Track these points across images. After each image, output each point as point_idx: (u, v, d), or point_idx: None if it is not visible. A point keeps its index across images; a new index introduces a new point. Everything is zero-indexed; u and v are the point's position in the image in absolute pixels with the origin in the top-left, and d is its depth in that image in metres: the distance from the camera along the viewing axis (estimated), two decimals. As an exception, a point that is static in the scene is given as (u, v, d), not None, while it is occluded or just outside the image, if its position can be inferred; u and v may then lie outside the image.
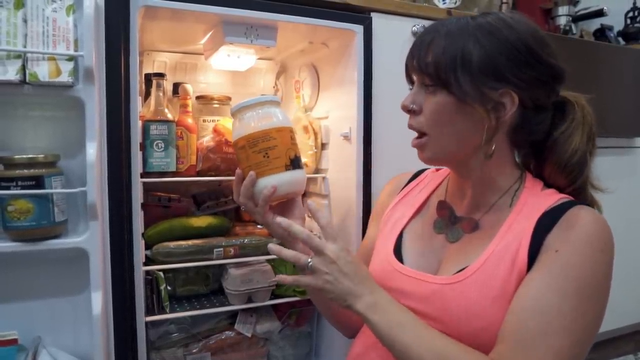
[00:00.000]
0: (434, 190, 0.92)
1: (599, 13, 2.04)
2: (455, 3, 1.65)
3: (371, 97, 1.19)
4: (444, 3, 1.67)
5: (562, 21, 2.05)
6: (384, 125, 1.21)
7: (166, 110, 1.15)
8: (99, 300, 0.91)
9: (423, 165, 0.88)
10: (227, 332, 1.29)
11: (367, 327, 0.75)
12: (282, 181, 0.91)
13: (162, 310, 1.15)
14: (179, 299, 1.26)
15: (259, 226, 1.35)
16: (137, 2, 0.95)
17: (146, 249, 1.15)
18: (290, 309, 1.36)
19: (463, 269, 0.74)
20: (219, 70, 1.46)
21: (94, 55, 0.88)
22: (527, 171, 0.82)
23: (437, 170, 0.96)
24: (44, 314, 0.96)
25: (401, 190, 0.97)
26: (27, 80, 0.86)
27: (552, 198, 0.74)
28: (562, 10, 2.05)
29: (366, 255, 0.95)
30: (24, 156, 0.88)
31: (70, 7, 0.89)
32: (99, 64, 0.91)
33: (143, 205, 1.05)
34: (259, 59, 1.47)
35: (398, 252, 0.86)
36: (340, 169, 1.30)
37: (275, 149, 0.91)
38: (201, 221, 1.27)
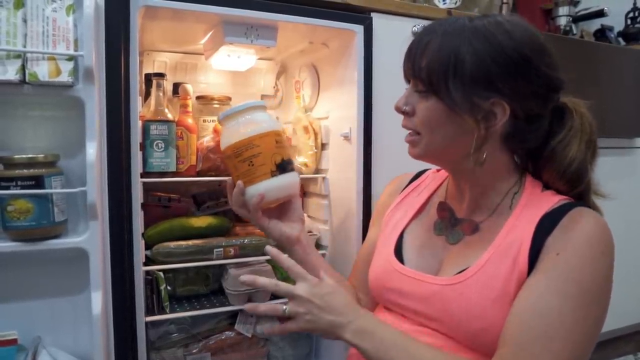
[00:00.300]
0: (434, 191, 0.92)
1: (599, 13, 2.04)
2: (456, 3, 1.65)
3: (371, 98, 1.19)
4: (444, 3, 1.67)
5: (563, 21, 2.05)
6: (384, 126, 1.21)
7: (166, 111, 1.15)
8: (99, 300, 0.91)
9: (425, 166, 0.88)
10: (227, 333, 1.29)
11: None
12: (269, 188, 0.91)
13: (162, 311, 1.15)
14: (179, 299, 1.26)
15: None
16: (138, 2, 0.95)
17: (146, 249, 1.14)
18: (290, 309, 1.36)
19: (463, 270, 0.74)
20: (219, 70, 1.46)
21: (93, 55, 0.88)
22: (528, 172, 0.81)
23: (438, 171, 0.96)
24: (44, 313, 0.96)
25: (402, 191, 0.97)
26: (27, 80, 0.86)
27: (552, 200, 0.74)
28: (563, 10, 2.05)
29: (367, 256, 0.95)
30: (24, 156, 0.87)
31: (70, 7, 0.88)
32: (99, 64, 0.91)
33: (143, 205, 1.05)
34: (259, 59, 1.47)
35: (399, 252, 0.86)
36: (340, 169, 1.30)
37: (259, 156, 0.91)
38: (201, 221, 1.27)
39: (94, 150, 0.89)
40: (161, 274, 1.16)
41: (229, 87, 1.56)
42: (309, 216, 1.44)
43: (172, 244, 1.18)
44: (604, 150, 1.83)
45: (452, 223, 0.83)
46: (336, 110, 1.33)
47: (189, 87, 1.25)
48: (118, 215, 0.96)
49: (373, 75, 1.19)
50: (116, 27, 0.93)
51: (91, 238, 0.90)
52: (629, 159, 1.87)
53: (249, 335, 1.29)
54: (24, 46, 0.85)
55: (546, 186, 0.79)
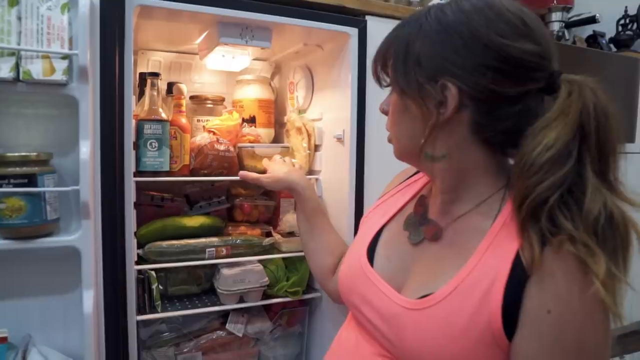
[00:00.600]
0: (421, 188, 0.84)
1: (591, 20, 2.06)
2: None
3: (365, 100, 1.20)
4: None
5: (556, 27, 2.06)
6: (377, 128, 1.21)
7: (160, 110, 1.15)
8: (90, 298, 0.91)
9: None
10: (218, 332, 1.29)
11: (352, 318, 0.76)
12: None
13: (153, 310, 1.15)
14: (170, 298, 1.26)
15: (251, 226, 1.35)
16: (133, 1, 0.95)
17: (138, 248, 1.14)
18: (281, 310, 1.36)
19: (427, 295, 0.65)
20: (214, 70, 1.46)
21: (88, 54, 0.88)
22: None
23: None
24: (35, 312, 0.96)
25: (400, 184, 0.91)
26: (21, 78, 0.85)
27: None
28: (556, 16, 2.07)
29: None
30: (17, 154, 0.87)
31: (65, 5, 0.88)
32: (93, 63, 0.91)
33: (136, 205, 1.05)
34: (253, 59, 1.48)
35: (372, 250, 0.79)
36: (334, 171, 1.30)
37: None
38: (194, 221, 1.27)
39: (87, 149, 0.89)
40: (153, 273, 1.16)
41: (223, 87, 1.56)
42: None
43: (165, 244, 1.18)
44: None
45: (420, 221, 0.75)
46: (330, 112, 1.33)
47: (183, 86, 1.25)
48: (111, 214, 0.96)
49: (367, 78, 1.20)
50: (111, 26, 0.93)
51: (83, 237, 0.90)
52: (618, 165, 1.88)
53: (240, 335, 1.30)
54: (18, 44, 0.85)
55: None
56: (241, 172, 1.15)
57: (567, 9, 2.08)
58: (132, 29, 0.96)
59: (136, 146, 1.10)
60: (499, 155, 0.68)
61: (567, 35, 2.10)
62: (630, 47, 2.22)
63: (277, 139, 1.54)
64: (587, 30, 2.21)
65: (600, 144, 0.58)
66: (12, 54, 0.85)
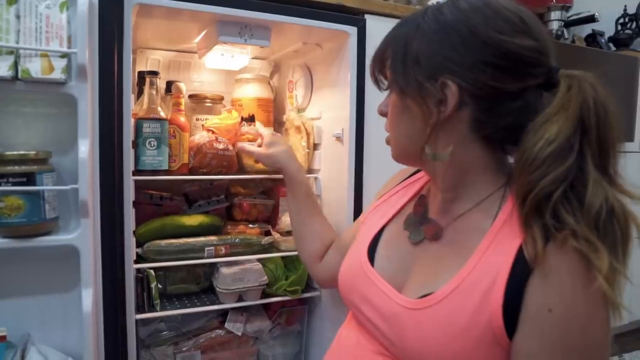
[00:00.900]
0: (421, 188, 0.84)
1: (590, 19, 2.06)
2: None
3: (364, 99, 1.20)
4: (438, 6, 1.67)
5: (555, 26, 2.06)
6: (376, 127, 1.21)
7: (159, 109, 1.15)
8: (89, 297, 0.91)
9: None
10: (217, 331, 1.29)
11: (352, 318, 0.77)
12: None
13: (152, 308, 1.15)
14: (169, 297, 1.26)
15: (250, 225, 1.36)
16: (132, -1, 0.95)
17: (137, 246, 1.14)
18: (280, 308, 1.36)
19: (428, 294, 0.64)
20: (213, 69, 1.46)
21: (87, 53, 0.88)
22: None
23: None
24: (34, 311, 0.96)
25: (399, 184, 0.91)
26: (20, 76, 0.86)
27: None
28: (555, 15, 2.07)
29: (349, 237, 0.95)
30: (15, 153, 0.87)
31: (63, 4, 0.88)
32: (92, 61, 0.91)
33: (135, 203, 1.05)
34: (252, 58, 1.48)
35: (373, 250, 0.79)
36: (332, 170, 1.30)
37: None
38: (193, 220, 1.27)
39: (86, 148, 0.89)
40: (152, 271, 1.16)
41: (222, 86, 1.56)
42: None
43: (164, 242, 1.18)
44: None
45: (421, 221, 0.75)
46: (329, 110, 1.33)
47: (182, 85, 1.25)
48: (109, 213, 0.96)
49: (366, 77, 1.20)
50: (110, 25, 0.93)
51: (82, 235, 0.91)
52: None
53: (239, 334, 1.30)
54: (17, 42, 0.85)
55: None
56: (239, 144, 1.22)
57: (566, 8, 2.08)
58: (130, 27, 0.96)
59: (135, 145, 1.10)
60: (499, 153, 0.68)
61: (566, 34, 2.10)
62: (629, 46, 2.23)
63: (276, 138, 1.54)
64: (587, 29, 2.22)
65: (600, 138, 0.58)
66: (11, 53, 0.85)
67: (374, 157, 1.22)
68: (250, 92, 1.46)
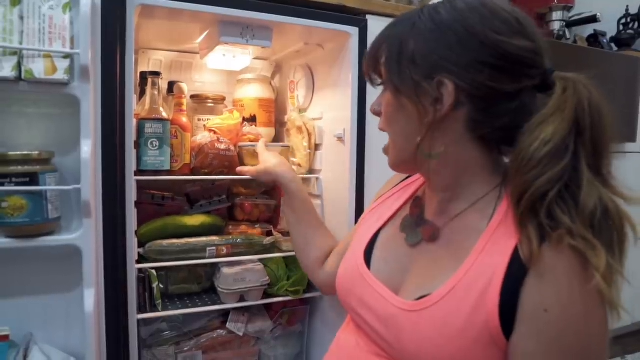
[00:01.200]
0: (416, 190, 0.84)
1: (592, 19, 2.06)
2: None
3: (365, 99, 1.20)
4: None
5: (556, 26, 2.06)
6: (378, 128, 1.21)
7: (161, 109, 1.16)
8: (91, 297, 0.91)
9: None
10: (218, 331, 1.29)
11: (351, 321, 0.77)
12: None
13: (154, 308, 1.16)
14: (171, 297, 1.26)
15: (252, 225, 1.36)
16: (134, 0, 0.95)
17: (139, 246, 1.15)
18: (282, 309, 1.37)
19: (424, 296, 0.64)
20: (214, 69, 1.46)
21: (89, 53, 0.88)
22: None
23: None
24: (36, 310, 0.96)
25: (395, 186, 0.91)
26: (23, 77, 0.86)
27: None
28: (556, 15, 2.07)
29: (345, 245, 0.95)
30: (19, 153, 0.88)
31: (67, 5, 0.89)
32: (94, 62, 0.92)
33: (137, 204, 1.05)
34: (254, 58, 1.48)
35: (369, 253, 0.79)
36: (334, 170, 1.31)
37: None
38: (194, 220, 1.27)
39: (89, 148, 0.89)
40: (154, 271, 1.16)
41: (224, 87, 1.57)
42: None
43: (165, 242, 1.18)
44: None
45: (417, 223, 0.75)
46: (330, 111, 1.34)
47: (184, 85, 1.25)
48: (112, 213, 0.96)
49: (367, 78, 1.20)
50: (112, 26, 0.94)
51: (84, 235, 0.91)
52: (619, 164, 1.88)
53: (241, 334, 1.30)
54: (20, 43, 0.85)
55: None
56: (238, 168, 1.17)
57: (568, 8, 2.08)
58: (133, 28, 0.96)
59: (137, 145, 1.11)
60: (495, 154, 0.68)
61: (568, 35, 2.10)
62: (631, 47, 2.23)
63: (277, 138, 1.55)
64: (588, 29, 2.21)
65: (595, 139, 0.59)
66: (14, 53, 0.85)
67: (375, 157, 1.22)
68: (252, 92, 1.46)
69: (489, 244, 0.62)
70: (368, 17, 1.21)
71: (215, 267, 1.29)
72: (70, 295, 0.97)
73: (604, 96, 0.61)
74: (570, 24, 2.11)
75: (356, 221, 1.20)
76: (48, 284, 0.96)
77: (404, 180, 0.89)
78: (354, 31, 1.18)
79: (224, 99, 1.43)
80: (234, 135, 1.29)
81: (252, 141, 1.30)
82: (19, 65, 0.85)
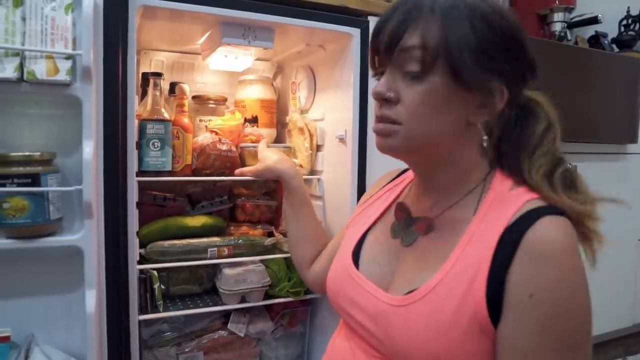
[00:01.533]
0: (401, 192, 0.84)
1: (593, 20, 2.06)
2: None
3: (367, 100, 1.20)
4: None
5: (558, 27, 2.06)
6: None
7: (163, 110, 1.16)
8: (92, 298, 0.91)
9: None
10: (220, 332, 1.29)
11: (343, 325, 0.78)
12: None
13: (155, 309, 1.16)
14: (172, 298, 1.27)
15: (253, 226, 1.36)
16: (136, 1, 0.95)
17: (140, 247, 1.15)
18: (283, 310, 1.36)
19: (413, 290, 0.65)
20: (216, 70, 1.46)
21: (91, 54, 0.89)
22: (499, 166, 0.71)
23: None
24: (38, 311, 0.96)
25: (382, 188, 0.91)
26: (25, 78, 0.86)
27: (516, 204, 0.63)
28: (558, 16, 2.07)
29: (334, 247, 0.96)
30: (20, 154, 0.88)
31: (69, 6, 0.89)
32: (96, 63, 0.92)
33: (138, 204, 1.05)
34: (255, 59, 1.48)
35: (357, 254, 0.80)
36: (335, 171, 1.31)
37: None
38: (196, 221, 1.28)
39: (90, 149, 0.89)
40: (155, 272, 1.16)
41: (226, 87, 1.57)
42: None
43: (167, 243, 1.18)
44: (596, 155, 1.82)
45: (408, 223, 0.75)
46: (332, 112, 1.34)
47: (185, 86, 1.25)
48: (113, 213, 0.96)
49: (369, 78, 1.20)
50: (114, 27, 0.94)
51: (86, 236, 0.91)
52: (620, 164, 1.89)
53: (242, 335, 1.30)
54: (23, 44, 0.86)
55: (517, 182, 0.68)
56: (237, 170, 1.19)
57: (569, 10, 2.08)
58: (135, 29, 0.96)
59: (139, 146, 1.11)
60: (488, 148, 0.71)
61: (569, 36, 2.10)
62: (632, 48, 2.23)
63: (279, 139, 1.55)
64: (590, 30, 2.21)
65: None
66: (16, 54, 0.85)
67: (377, 158, 1.22)
68: (254, 93, 1.46)
69: (475, 235, 0.64)
70: (370, 18, 1.21)
71: (216, 267, 1.29)
72: (72, 296, 0.97)
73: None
74: (571, 25, 2.11)
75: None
76: (49, 285, 0.96)
77: (391, 181, 0.90)
78: (355, 32, 1.18)
79: (225, 99, 1.44)
80: (236, 136, 1.29)
81: (253, 142, 1.30)
82: (21, 66, 0.86)
